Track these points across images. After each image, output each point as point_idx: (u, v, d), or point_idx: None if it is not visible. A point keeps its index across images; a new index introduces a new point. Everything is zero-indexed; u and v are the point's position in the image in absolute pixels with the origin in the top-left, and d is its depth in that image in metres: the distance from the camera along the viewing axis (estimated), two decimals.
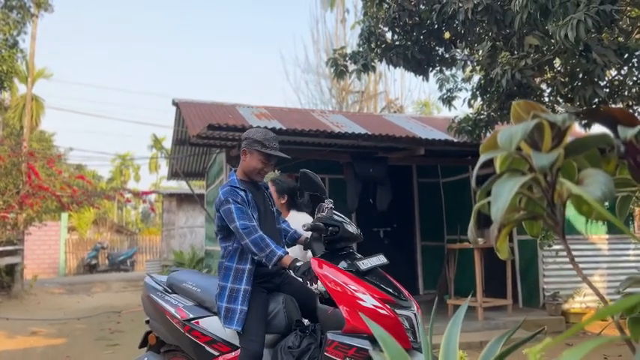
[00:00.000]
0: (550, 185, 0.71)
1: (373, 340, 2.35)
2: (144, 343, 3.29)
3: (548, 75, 5.44)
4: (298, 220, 3.73)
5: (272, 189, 3.90)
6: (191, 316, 2.89)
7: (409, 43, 5.83)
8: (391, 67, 6.07)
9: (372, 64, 6.09)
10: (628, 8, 4.65)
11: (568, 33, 3.70)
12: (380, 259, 2.74)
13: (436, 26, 5.45)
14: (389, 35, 5.99)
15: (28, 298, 11.36)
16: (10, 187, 11.08)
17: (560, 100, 5.47)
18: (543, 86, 5.58)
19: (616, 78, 5.35)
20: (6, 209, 11.01)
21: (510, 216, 0.76)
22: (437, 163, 8.80)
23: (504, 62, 4.66)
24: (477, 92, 5.68)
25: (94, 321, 8.16)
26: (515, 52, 4.81)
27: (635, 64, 4.77)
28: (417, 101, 22.20)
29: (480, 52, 5.38)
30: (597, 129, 0.76)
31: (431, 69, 6.22)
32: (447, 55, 6.10)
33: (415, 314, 2.57)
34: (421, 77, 6.27)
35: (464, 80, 6.51)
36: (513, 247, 7.47)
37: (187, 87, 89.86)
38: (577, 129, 6.32)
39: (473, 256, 6.58)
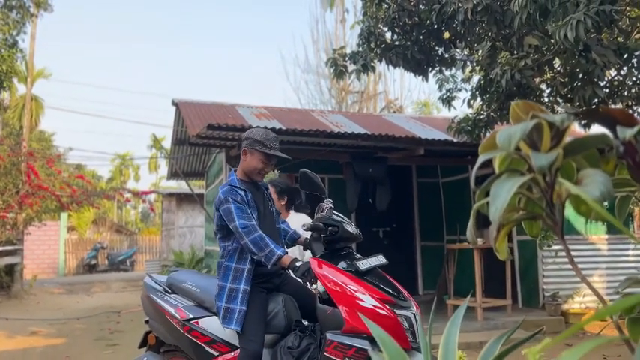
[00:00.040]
0: (549, 185, 0.71)
1: (373, 340, 2.35)
2: (143, 342, 3.29)
3: (548, 75, 5.44)
4: (297, 221, 3.73)
5: (272, 191, 3.91)
6: (190, 316, 2.89)
7: (409, 43, 5.83)
8: (391, 67, 6.08)
9: (372, 64, 6.09)
10: (627, 8, 4.65)
11: (567, 33, 3.71)
12: (379, 259, 2.74)
13: (436, 26, 5.45)
14: (388, 35, 5.99)
15: (27, 297, 11.36)
16: (9, 187, 11.07)
17: (560, 100, 5.47)
18: (543, 86, 5.59)
19: (615, 78, 5.36)
20: (5, 209, 11.01)
21: (509, 216, 0.76)
22: (436, 163, 8.80)
23: (504, 62, 4.66)
24: (477, 92, 5.68)
25: (94, 321, 8.16)
26: (515, 53, 4.81)
27: (635, 65, 4.78)
28: (416, 101, 22.24)
29: (480, 52, 5.38)
30: (597, 129, 0.76)
31: (430, 69, 6.22)
32: (446, 55, 6.11)
33: (414, 314, 2.57)
34: (421, 77, 6.28)
35: (463, 80, 6.51)
36: (513, 248, 7.47)
37: (187, 87, 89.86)
38: (577, 129, 6.32)
39: (472, 256, 6.58)
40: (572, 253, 0.77)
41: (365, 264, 2.65)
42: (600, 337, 0.63)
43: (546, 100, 5.61)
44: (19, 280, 11.75)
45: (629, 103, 5.48)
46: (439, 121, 9.53)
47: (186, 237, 15.83)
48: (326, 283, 2.56)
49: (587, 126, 4.99)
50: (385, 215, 8.24)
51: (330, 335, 2.52)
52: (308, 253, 2.97)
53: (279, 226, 3.14)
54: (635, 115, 5.26)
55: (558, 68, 5.41)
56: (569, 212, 0.73)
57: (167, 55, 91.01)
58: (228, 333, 2.79)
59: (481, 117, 5.99)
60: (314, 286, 2.70)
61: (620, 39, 4.75)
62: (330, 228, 2.73)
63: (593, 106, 4.84)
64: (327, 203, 2.91)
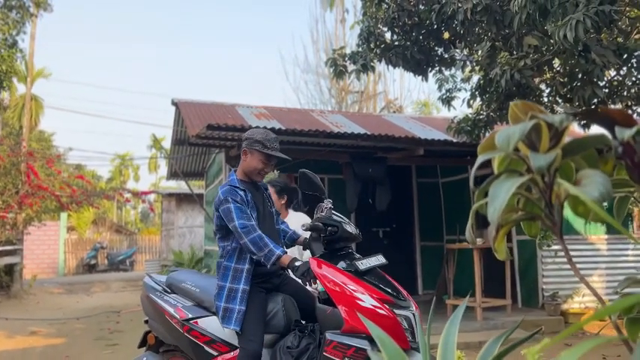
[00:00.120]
0: (548, 186, 0.71)
1: (372, 340, 2.35)
2: (143, 342, 3.29)
3: (548, 75, 5.44)
4: (297, 220, 3.73)
5: (271, 191, 3.91)
6: (190, 315, 2.90)
7: (408, 43, 5.83)
8: (390, 67, 6.08)
9: (372, 64, 6.09)
10: (627, 8, 4.66)
11: (567, 33, 3.71)
12: (379, 259, 2.74)
13: (435, 26, 5.45)
14: (388, 35, 6.00)
15: (27, 297, 11.36)
16: (9, 187, 11.07)
17: (560, 101, 5.48)
18: (542, 86, 5.59)
19: (615, 78, 5.36)
20: (5, 209, 11.00)
21: (508, 216, 0.76)
22: (436, 163, 8.80)
23: (503, 62, 4.66)
24: (476, 92, 5.68)
25: (93, 321, 8.16)
26: (515, 53, 4.82)
27: (634, 65, 4.78)
28: (416, 101, 22.24)
29: (479, 52, 5.39)
30: (596, 129, 0.76)
31: (430, 69, 6.22)
32: (446, 56, 6.11)
33: (414, 314, 2.57)
34: (420, 77, 6.28)
35: (463, 80, 6.52)
36: (512, 248, 7.47)
37: (187, 87, 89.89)
38: (576, 129, 6.32)
39: (472, 256, 6.59)
40: (572, 253, 0.77)
41: (364, 264, 2.65)
42: (599, 337, 0.63)
43: (546, 100, 5.61)
44: (19, 280, 11.74)
45: (629, 104, 5.48)
46: (439, 121, 9.53)
47: (186, 237, 15.83)
48: (325, 283, 2.56)
49: (586, 126, 4.99)
50: (385, 215, 8.24)
51: (329, 335, 2.52)
52: (307, 253, 2.97)
53: (279, 227, 3.14)
54: (635, 115, 5.27)
55: (558, 68, 5.41)
56: (569, 212, 0.73)
57: (167, 55, 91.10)
58: (227, 333, 2.79)
59: (481, 117, 5.99)
60: (314, 286, 2.70)
61: (620, 39, 4.75)
62: (329, 228, 2.73)
63: (593, 107, 4.85)
64: (327, 203, 2.91)
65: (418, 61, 5.93)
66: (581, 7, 3.70)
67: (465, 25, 4.84)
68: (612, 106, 5.35)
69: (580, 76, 5.00)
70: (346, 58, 6.35)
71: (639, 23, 4.86)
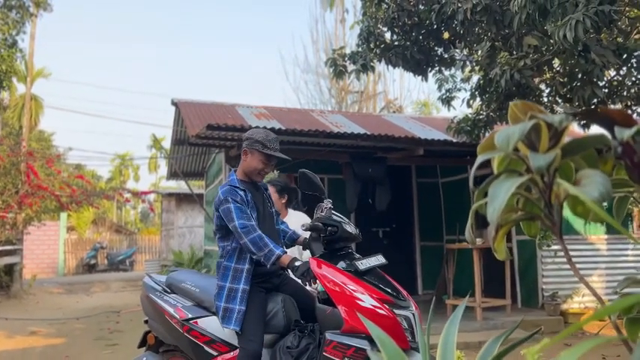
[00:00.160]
0: (547, 186, 0.71)
1: (372, 340, 2.35)
2: (143, 342, 3.29)
3: (547, 75, 5.45)
4: (296, 220, 3.73)
5: (272, 190, 3.91)
6: (190, 315, 2.89)
7: (408, 43, 5.83)
8: (390, 67, 6.08)
9: (371, 64, 6.09)
10: (627, 8, 4.66)
11: (567, 33, 3.71)
12: (379, 259, 2.74)
13: (435, 26, 5.45)
14: (388, 35, 6.00)
15: (27, 297, 11.35)
16: (9, 187, 11.06)
17: (559, 101, 5.48)
18: (542, 86, 5.59)
19: (615, 78, 5.36)
20: (5, 209, 11.00)
21: (508, 216, 0.76)
22: (436, 163, 8.80)
23: (503, 62, 4.66)
24: (476, 92, 5.68)
25: (93, 321, 8.15)
26: (514, 53, 4.82)
27: (634, 65, 4.78)
28: (416, 101, 22.24)
29: (479, 52, 5.39)
30: (596, 129, 0.76)
31: (430, 69, 6.23)
32: (446, 56, 6.11)
33: (413, 314, 2.57)
34: (420, 77, 6.28)
35: (463, 80, 6.52)
36: (512, 248, 7.47)
37: (187, 87, 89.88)
38: (576, 129, 6.33)
39: (472, 256, 6.59)
40: (571, 253, 0.77)
41: (364, 264, 2.65)
42: (599, 337, 0.63)
43: (546, 100, 5.61)
44: (19, 280, 11.74)
45: (629, 104, 5.48)
46: (438, 121, 9.53)
47: (186, 237, 15.83)
48: (325, 283, 2.56)
49: (586, 126, 5.00)
50: (385, 215, 8.25)
51: (329, 335, 2.52)
52: (307, 253, 2.97)
53: (279, 227, 3.14)
54: (635, 115, 5.27)
55: (558, 68, 5.41)
56: (569, 212, 0.73)
57: (167, 55, 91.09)
58: (227, 333, 2.79)
59: (480, 117, 6.00)
60: (314, 286, 2.70)
61: (620, 39, 4.76)
62: (329, 228, 2.73)
63: (593, 107, 4.85)
64: (327, 203, 2.91)
65: (418, 61, 5.93)
66: (581, 7, 3.70)
67: (464, 25, 4.84)
68: (612, 106, 5.35)
69: (580, 76, 5.00)
70: (346, 58, 6.35)
71: (639, 23, 4.86)
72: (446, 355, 1.08)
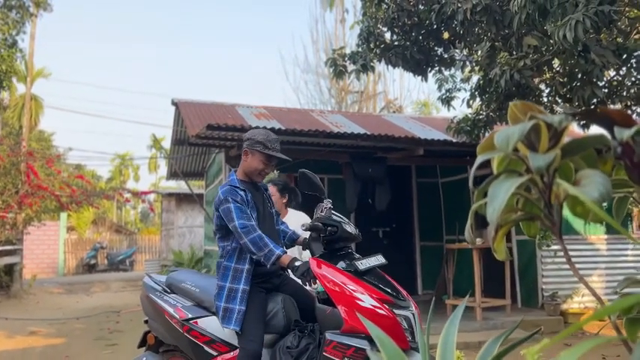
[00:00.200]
0: (547, 186, 0.71)
1: (371, 340, 2.35)
2: (143, 342, 3.29)
3: (547, 75, 5.45)
4: (296, 220, 3.74)
5: (273, 190, 3.91)
6: (190, 315, 2.89)
7: (408, 43, 5.83)
8: (390, 67, 6.08)
9: (371, 64, 6.09)
10: (626, 9, 4.66)
11: (566, 33, 3.71)
12: (378, 259, 2.74)
13: (435, 26, 5.45)
14: (388, 35, 6.00)
15: (27, 297, 11.35)
16: (9, 187, 11.06)
17: (559, 101, 5.48)
18: (542, 86, 5.59)
19: (614, 78, 5.36)
20: (5, 209, 11.00)
21: (507, 217, 0.76)
22: (436, 163, 8.80)
23: (503, 62, 4.66)
24: (476, 92, 5.68)
25: (93, 321, 8.15)
26: (514, 53, 4.82)
27: (634, 65, 4.78)
28: (416, 101, 22.25)
29: (479, 52, 5.39)
30: (595, 129, 0.76)
31: (430, 69, 6.23)
32: (445, 56, 6.11)
33: (413, 314, 2.57)
34: (420, 77, 6.28)
35: (463, 80, 6.52)
36: (512, 248, 7.47)
37: (187, 87, 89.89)
38: (576, 129, 6.33)
39: (471, 256, 6.59)
40: (571, 253, 0.77)
41: (364, 264, 2.65)
42: (599, 337, 0.63)
43: (545, 100, 5.61)
44: (19, 280, 11.74)
45: (628, 104, 5.48)
46: (438, 121, 9.53)
47: (186, 237, 15.83)
48: (325, 283, 2.56)
49: (585, 126, 5.00)
50: (384, 215, 8.25)
51: (329, 335, 2.52)
52: (307, 253, 2.97)
53: (279, 227, 3.14)
54: (634, 115, 5.27)
55: (557, 68, 5.41)
56: (568, 212, 0.73)
57: (167, 55, 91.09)
58: (227, 333, 2.79)
59: (480, 117, 6.00)
60: (314, 286, 2.70)
61: (619, 39, 4.76)
62: (329, 228, 2.73)
63: (592, 107, 4.85)
64: (327, 203, 2.91)
65: (418, 61, 5.93)
66: (581, 7, 3.70)
67: (464, 25, 4.84)
68: (612, 106, 5.35)
69: (579, 76, 5.00)
70: (346, 58, 6.35)
71: (638, 23, 4.86)
72: (445, 355, 1.08)
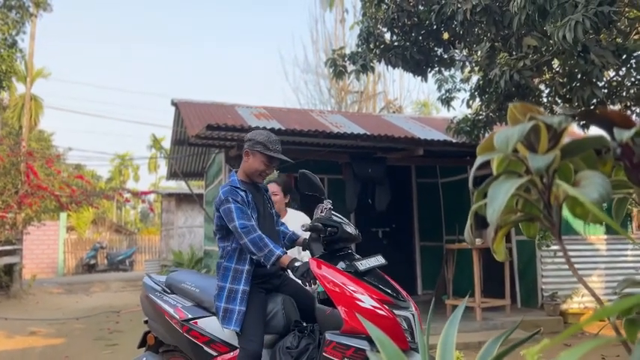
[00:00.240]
0: (546, 187, 0.71)
1: (371, 341, 2.35)
2: (142, 343, 3.29)
3: (547, 76, 5.45)
4: (296, 220, 3.74)
5: (277, 189, 3.91)
6: (189, 316, 2.89)
7: (408, 43, 5.83)
8: (390, 67, 6.08)
9: (371, 64, 6.10)
10: (626, 9, 4.66)
11: (566, 34, 3.71)
12: (378, 260, 2.74)
13: (435, 27, 5.45)
14: (388, 36, 6.00)
15: (26, 297, 11.35)
16: (8, 187, 11.06)
17: (559, 101, 5.48)
18: (542, 87, 5.60)
19: (614, 79, 5.36)
20: (5, 209, 10.99)
21: (507, 217, 0.76)
22: (436, 164, 8.80)
23: (503, 63, 4.67)
24: (476, 93, 5.68)
25: (93, 321, 8.15)
26: (514, 53, 4.82)
27: (634, 65, 4.78)
28: (415, 101, 22.26)
29: (479, 52, 5.39)
30: (595, 130, 0.76)
31: (430, 69, 6.23)
32: (445, 56, 6.11)
33: (413, 315, 2.57)
34: (420, 78, 6.28)
35: (462, 81, 6.52)
36: (511, 248, 7.48)
37: (187, 87, 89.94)
38: (576, 130, 6.33)
39: (471, 256, 6.59)
40: (571, 253, 0.77)
41: (364, 264, 2.65)
42: (599, 337, 0.63)
43: (545, 100, 5.61)
44: (18, 280, 11.74)
45: (628, 104, 5.48)
46: (438, 121, 9.54)
47: (186, 237, 15.83)
48: (325, 284, 2.56)
49: (585, 127, 5.00)
50: (384, 215, 8.25)
51: (328, 335, 2.52)
52: (307, 253, 2.97)
53: (279, 228, 3.14)
54: (634, 116, 5.27)
55: (557, 69, 5.41)
56: (568, 213, 0.74)
57: (167, 55, 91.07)
58: (227, 333, 2.79)
59: (480, 117, 6.00)
60: (314, 286, 2.70)
61: (619, 40, 4.76)
62: (329, 228, 2.73)
63: (592, 107, 4.85)
64: (326, 204, 2.91)
65: (417, 61, 5.93)
66: (580, 7, 3.70)
67: (464, 26, 4.84)
68: (611, 107, 5.36)
69: (579, 76, 5.00)
70: (346, 59, 6.36)
71: (638, 24, 4.86)
72: (445, 356, 1.08)
